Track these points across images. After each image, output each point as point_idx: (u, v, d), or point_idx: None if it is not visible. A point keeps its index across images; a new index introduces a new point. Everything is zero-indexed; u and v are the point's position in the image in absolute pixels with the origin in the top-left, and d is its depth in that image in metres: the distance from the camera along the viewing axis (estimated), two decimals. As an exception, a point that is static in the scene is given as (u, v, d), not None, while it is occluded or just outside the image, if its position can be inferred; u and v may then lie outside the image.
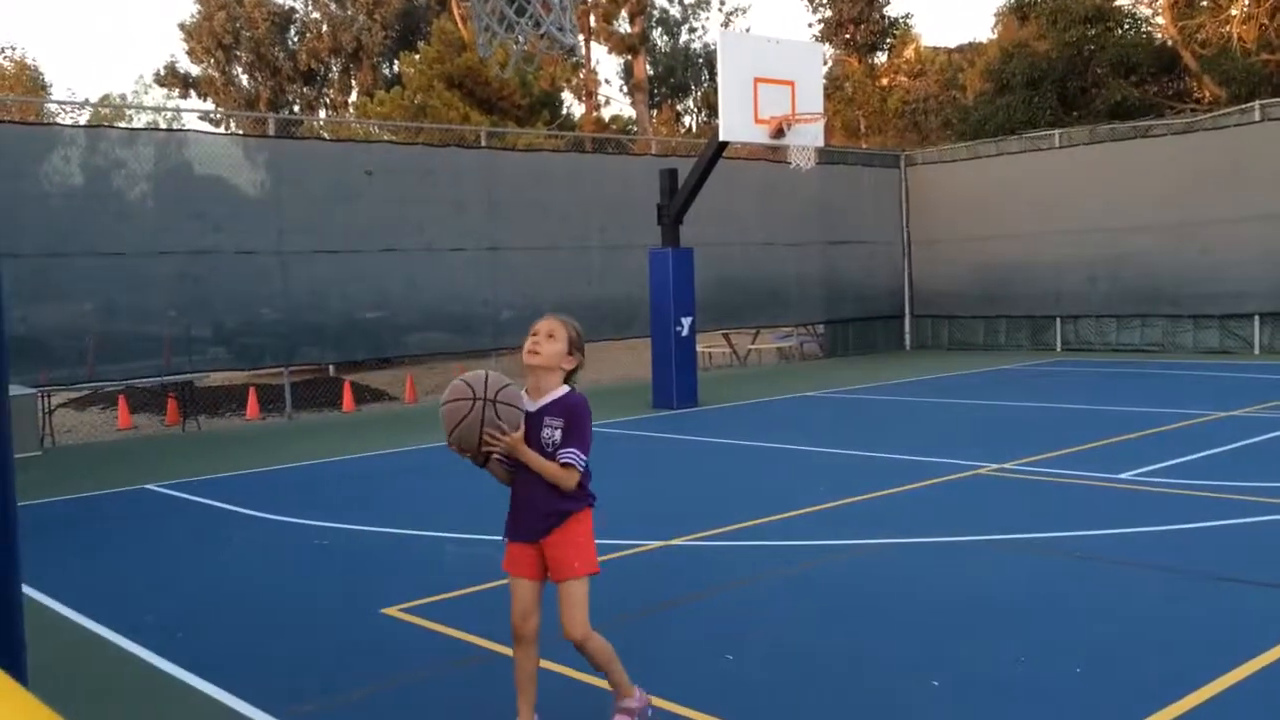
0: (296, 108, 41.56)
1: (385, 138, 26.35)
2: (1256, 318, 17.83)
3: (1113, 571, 5.72)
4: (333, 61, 40.96)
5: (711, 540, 6.70)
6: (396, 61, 37.17)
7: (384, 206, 15.50)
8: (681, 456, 10.26)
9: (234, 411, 15.24)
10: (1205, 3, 26.98)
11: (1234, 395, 12.54)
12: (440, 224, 16.08)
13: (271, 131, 15.32)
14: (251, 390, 15.24)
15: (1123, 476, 8.10)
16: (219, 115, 38.80)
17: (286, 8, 41.06)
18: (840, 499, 7.72)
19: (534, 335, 3.70)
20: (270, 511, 8.18)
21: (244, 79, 41.20)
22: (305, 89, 41.49)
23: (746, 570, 6.05)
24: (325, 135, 27.63)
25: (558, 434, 3.62)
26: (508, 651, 4.75)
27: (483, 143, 17.39)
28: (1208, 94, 25.43)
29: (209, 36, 39.59)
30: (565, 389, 3.71)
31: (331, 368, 18.19)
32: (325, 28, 40.03)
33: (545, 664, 4.09)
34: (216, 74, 40.67)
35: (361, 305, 15.43)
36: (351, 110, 38.44)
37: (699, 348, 16.76)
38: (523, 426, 3.58)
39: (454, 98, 28.63)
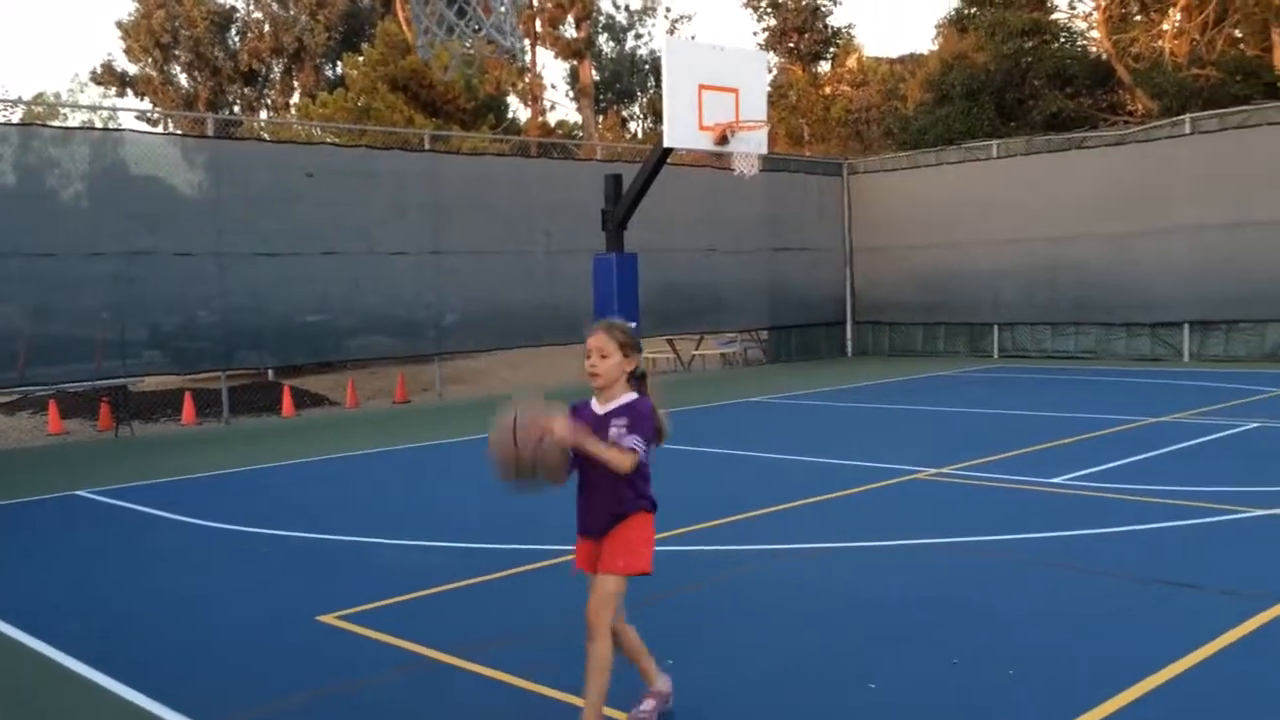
0: (237, 108, 40.96)
1: (328, 140, 26.07)
2: (1186, 326, 18.27)
3: (1045, 574, 5.82)
4: (274, 62, 40.42)
5: (658, 545, 6.69)
6: (340, 63, 36.83)
7: (325, 209, 15.33)
8: (624, 462, 10.25)
9: (169, 416, 14.96)
10: (1139, 17, 27.64)
11: (1164, 401, 12.83)
12: (383, 227, 15.94)
13: (210, 132, 15.08)
14: (187, 395, 14.98)
15: (1056, 481, 8.25)
16: (156, 115, 38.13)
17: (227, 7, 40.45)
18: (782, 504, 7.77)
19: (588, 358, 3.88)
20: (205, 518, 8.04)
21: (183, 78, 40.50)
22: (246, 89, 40.91)
23: (688, 575, 6.06)
24: (266, 136, 27.27)
25: (621, 429, 3.82)
26: (445, 659, 4.73)
27: (426, 146, 17.27)
28: (1140, 107, 26.03)
29: (147, 35, 38.87)
30: (633, 395, 3.92)
31: (270, 372, 17.94)
32: (267, 28, 39.50)
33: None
34: (154, 73, 39.94)
35: (302, 308, 15.24)
36: (293, 112, 37.96)
37: (643, 354, 16.78)
38: (566, 422, 3.70)
39: (398, 100, 28.41)
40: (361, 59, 30.41)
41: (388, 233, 15.99)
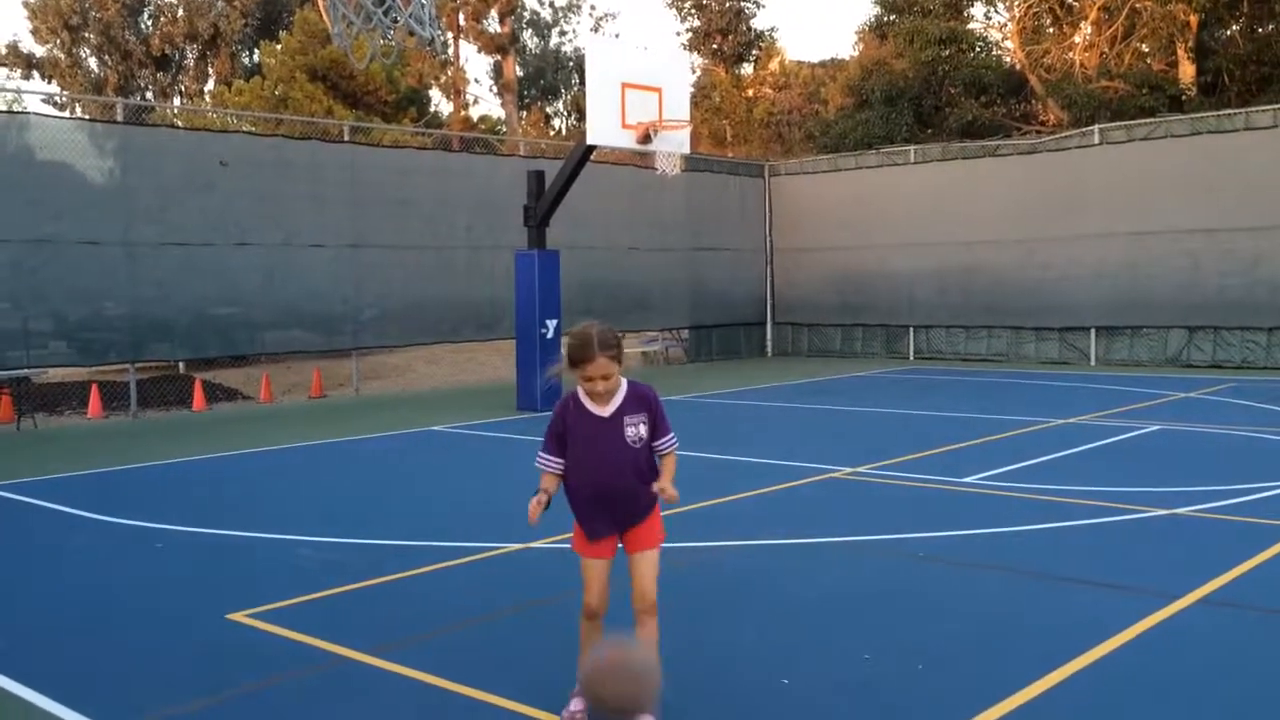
0: (149, 94, 39.86)
1: (243, 128, 25.49)
2: (1092, 330, 18.84)
3: (954, 572, 5.95)
4: (188, 48, 39.42)
5: (570, 542, 6.68)
6: (257, 51, 36.07)
7: (240, 199, 15.01)
8: (544, 459, 10.22)
9: (74, 409, 14.51)
10: (1051, 30, 28.39)
11: (1071, 404, 13.21)
12: (299, 219, 15.65)
13: (120, 117, 14.64)
14: (94, 387, 14.53)
15: (967, 480, 8.44)
16: (64, 99, 36.93)
17: (139, -11, 39.33)
18: (699, 501, 7.82)
19: (590, 381, 3.90)
20: (111, 514, 7.81)
21: (92, 62, 39.28)
22: (158, 75, 39.82)
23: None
24: (179, 123, 26.59)
25: (642, 428, 3.96)
26: (359, 657, 4.67)
27: (346, 137, 17.00)
28: (1052, 117, 26.74)
29: (55, 16, 37.61)
30: (625, 384, 3.97)
31: (181, 365, 17.51)
32: (180, 13, 38.49)
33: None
34: (62, 55, 38.67)
35: (215, 300, 14.89)
36: (208, 99, 37.08)
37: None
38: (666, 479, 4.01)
39: (317, 90, 27.94)
40: (279, 47, 29.84)
41: (305, 224, 15.71)
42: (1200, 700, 4.10)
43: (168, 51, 38.98)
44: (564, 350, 3.95)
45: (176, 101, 38.87)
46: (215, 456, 10.52)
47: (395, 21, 8.44)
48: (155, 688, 4.40)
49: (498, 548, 6.55)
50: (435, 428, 12.29)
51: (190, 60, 40.17)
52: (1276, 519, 6.90)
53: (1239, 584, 5.54)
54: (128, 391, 14.25)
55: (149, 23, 39.55)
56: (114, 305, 13.91)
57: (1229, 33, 26.08)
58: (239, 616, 5.26)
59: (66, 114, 33.11)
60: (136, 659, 4.78)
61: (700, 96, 35.08)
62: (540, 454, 4.09)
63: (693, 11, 37.13)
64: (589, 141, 13.11)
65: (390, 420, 13.01)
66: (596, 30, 47.24)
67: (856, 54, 35.12)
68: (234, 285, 15.01)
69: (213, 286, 14.80)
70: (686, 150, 14.07)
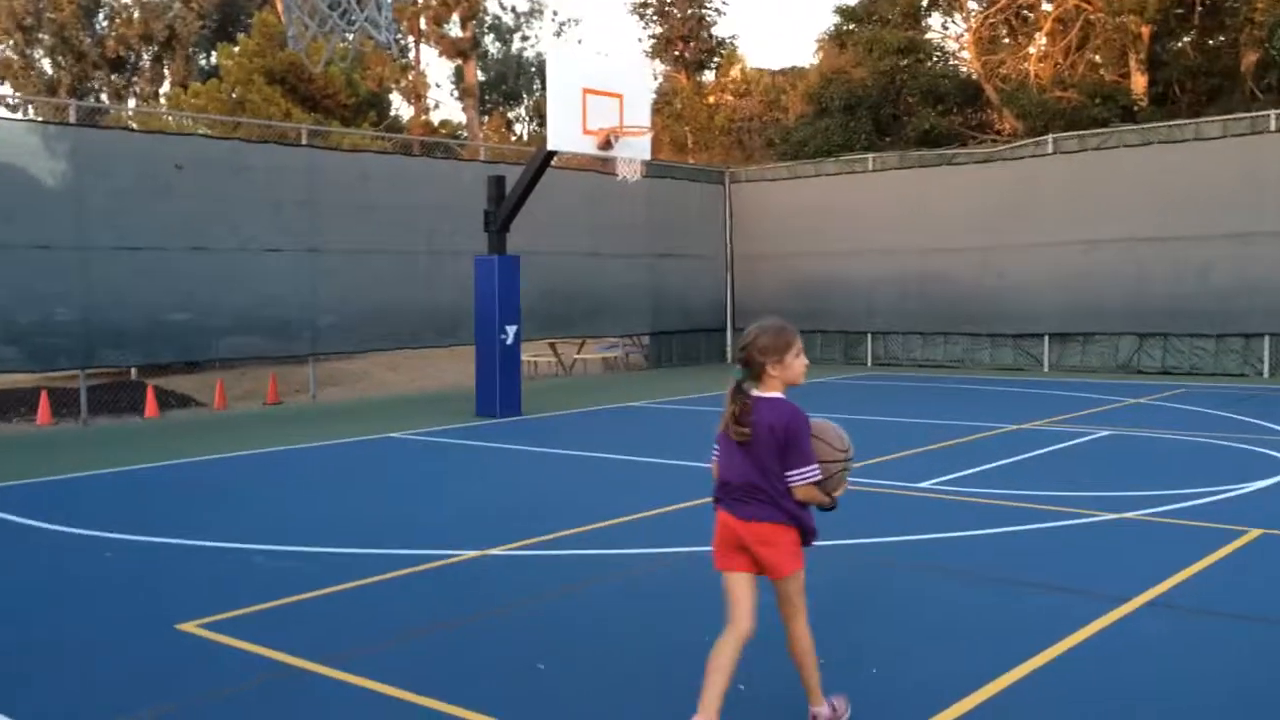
0: (104, 96, 39.32)
1: (200, 131, 25.22)
2: (1046, 337, 19.08)
3: (911, 575, 6.00)
4: (143, 50, 38.93)
5: (529, 549, 6.69)
6: (214, 53, 35.66)
7: (195, 202, 14.83)
8: (503, 466, 10.20)
9: (22, 416, 14.26)
10: (1006, 40, 28.77)
11: (1025, 409, 13.37)
12: (256, 223, 15.50)
13: (73, 119, 14.43)
14: (43, 393, 14.29)
15: (923, 485, 8.52)
16: (16, 100, 36.35)
17: (94, -10, 38.79)
18: (659, 508, 7.83)
19: (800, 354, 3.87)
20: (58, 523, 7.69)
21: (45, 63, 38.69)
22: (113, 77, 39.30)
23: (561, 580, 6.06)
24: (134, 126, 26.25)
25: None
26: (311, 666, 4.63)
27: (304, 140, 16.86)
28: (1007, 126, 27.09)
29: (8, 17, 36.99)
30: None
31: (134, 371, 17.26)
32: (136, 14, 38.01)
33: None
34: (15, 56, 38.05)
35: (169, 305, 14.69)
36: (163, 101, 36.64)
37: (524, 357, 16.71)
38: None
39: (275, 93, 27.67)
40: (237, 49, 29.54)
41: (261, 229, 15.55)
42: (1151, 701, 4.16)
43: (123, 53, 38.48)
44: (771, 341, 3.81)
45: (131, 104, 38.38)
46: (167, 464, 10.38)
47: (351, 24, 8.39)
48: (102, 699, 4.34)
49: (454, 555, 6.51)
50: (394, 435, 12.21)
51: (145, 62, 39.69)
52: (1223, 523, 7.02)
53: (1187, 587, 5.64)
54: (78, 398, 14.03)
55: (104, 24, 39.04)
56: (66, 310, 13.69)
57: (1180, 45, 26.58)
58: (189, 626, 5.19)
59: (19, 116, 32.59)
60: (83, 669, 4.70)
61: (661, 103, 35.18)
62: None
63: (655, 18, 37.26)
64: (550, 147, 13.10)
65: (348, 427, 12.91)
66: (558, 36, 47.28)
67: (816, 62, 35.39)
68: (189, 290, 14.82)
69: (167, 291, 14.61)
70: (647, 156, 14.09)
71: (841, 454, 3.87)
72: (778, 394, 3.83)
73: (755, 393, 3.82)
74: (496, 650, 4.85)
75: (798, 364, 3.84)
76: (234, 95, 27.77)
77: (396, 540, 6.94)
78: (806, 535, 3.92)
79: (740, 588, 3.81)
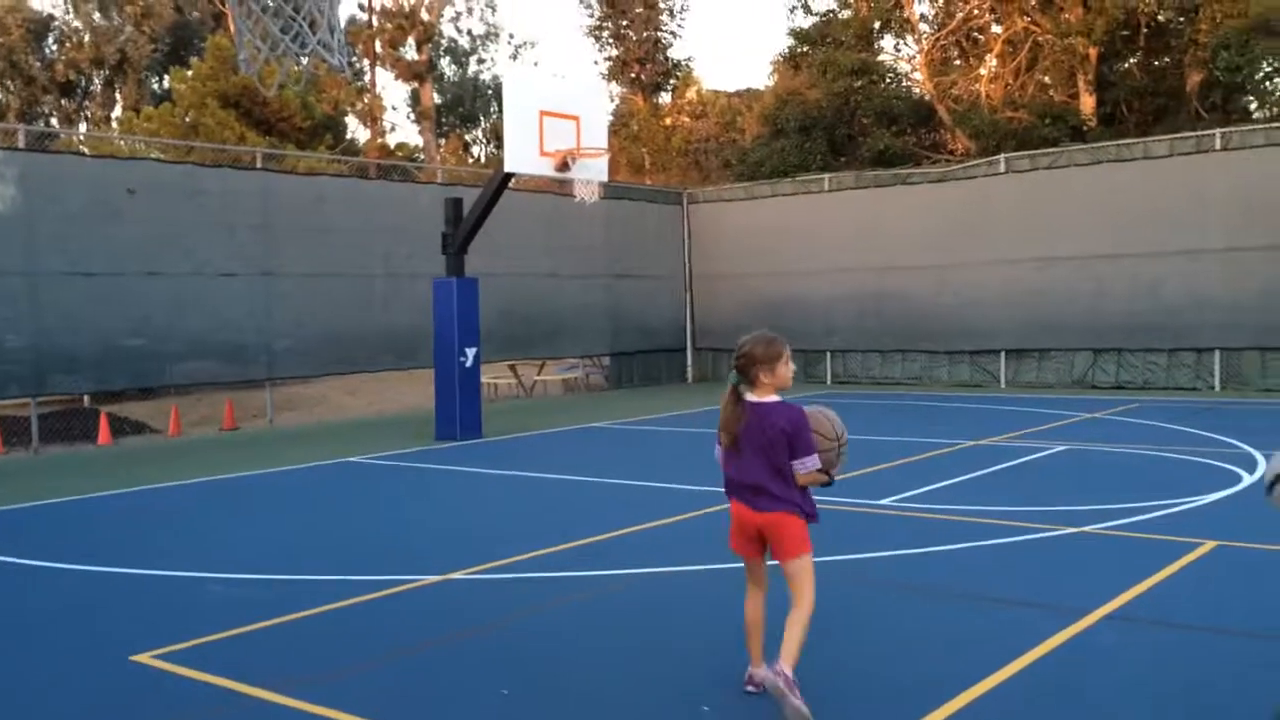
0: (54, 121, 38.81)
1: (152, 155, 24.95)
2: (1003, 354, 19.30)
3: (871, 591, 6.01)
4: (94, 73, 38.50)
5: (492, 573, 6.63)
6: (166, 77, 35.35)
7: (148, 227, 14.65)
8: (463, 489, 10.13)
9: (-29, 446, 13.95)
10: (958, 62, 29.20)
11: (983, 426, 13.49)
12: (210, 247, 15.33)
13: (22, 144, 14.22)
14: (-8, 422, 14.01)
15: (884, 502, 8.56)
16: (-38, 124, 35.78)
17: (44, 15, 38.34)
18: (620, 529, 7.80)
19: (788, 363, 4.46)
20: (9, 554, 7.51)
21: (-7, 87, 38.14)
22: (63, 101, 38.81)
23: (525, 603, 6.01)
24: (85, 150, 25.90)
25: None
26: (269, 696, 4.55)
27: (259, 164, 16.73)
28: (960, 146, 27.47)
29: (-47, 40, 36.48)
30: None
31: (86, 398, 16.97)
32: (87, 38, 37.60)
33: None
34: (-39, 80, 37.49)
35: (122, 331, 14.47)
36: (115, 126, 36.20)
37: (484, 379, 16.63)
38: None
39: (229, 117, 27.47)
40: (190, 73, 29.30)
41: (216, 253, 15.39)
42: (1112, 713, 4.19)
43: (73, 77, 38.03)
44: (764, 350, 4.39)
45: (82, 128, 37.91)
46: (120, 492, 10.20)
47: (304, 48, 8.34)
48: (54, 734, 4.23)
49: (416, 580, 6.44)
50: (352, 459, 12.09)
51: (97, 86, 39.25)
52: (1180, 535, 7.11)
53: (1146, 599, 5.70)
54: (29, 426, 13.76)
55: (53, 48, 38.57)
56: (16, 337, 13.44)
57: (1126, 66, 27.12)
58: (144, 658, 5.08)
59: (-35, 140, 32.03)
60: (34, 702, 4.59)
61: (619, 125, 35.31)
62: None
63: (611, 41, 37.42)
64: (507, 169, 13.09)
65: (306, 452, 12.76)
66: (514, 59, 47.34)
67: (772, 84, 35.71)
68: (142, 316, 14.62)
69: (120, 317, 14.40)
70: (605, 178, 14.12)
71: (834, 440, 4.54)
72: (773, 398, 4.38)
73: (750, 397, 4.37)
74: (460, 675, 4.80)
75: (786, 371, 4.41)
76: (187, 119, 27.53)
77: (357, 566, 6.85)
78: (809, 518, 4.51)
79: (756, 568, 4.56)
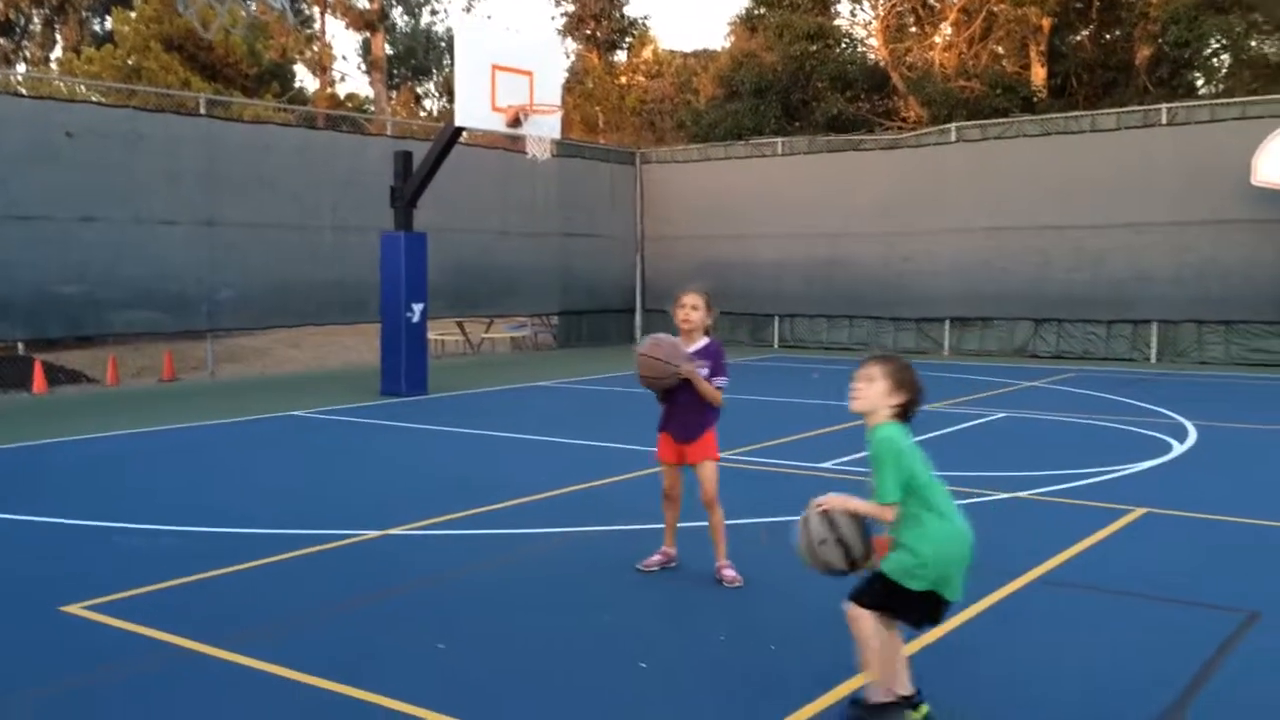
0: (-11, 59, 37.56)
1: (93, 98, 24.30)
2: (947, 321, 19.53)
3: (811, 554, 6.07)
4: (34, 13, 37.31)
5: (431, 529, 6.62)
6: (109, 18, 34.35)
7: (87, 172, 14.30)
8: (407, 445, 10.07)
9: (-100, 392, 13.61)
10: (913, 29, 29.24)
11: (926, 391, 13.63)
12: (151, 194, 15.00)
13: (-47, 82, 13.78)
14: (-78, 368, 13.66)
15: (825, 465, 8.65)
16: (-107, 60, 34.53)
17: (-20, -52, 36.95)
18: (561, 487, 7.81)
19: (683, 307, 5.59)
20: (-63, 503, 7.36)
21: (-74, 23, 36.81)
22: (1, 40, 37.58)
23: (465, 558, 6.01)
24: (23, 91, 25.15)
25: (705, 370, 5.42)
26: (202, 648, 4.51)
27: (203, 110, 16.35)
28: (913, 113, 27.57)
29: (-116, -28, 35.09)
30: (707, 339, 5.57)
31: (21, 345, 16.58)
32: (25, -26, 36.35)
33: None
34: (-108, 14, 36.12)
35: (58, 278, 14.15)
36: (55, 67, 35.16)
37: (431, 335, 16.50)
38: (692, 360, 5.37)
39: (173, 61, 26.80)
40: (134, 14, 28.50)
41: (157, 200, 15.06)
42: (1039, 674, 4.30)
43: (12, 16, 36.82)
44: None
45: (21, 69, 36.78)
46: (55, 441, 10.01)
47: (247, -10, 8.15)
48: (-20, 684, 4.17)
49: (355, 535, 6.41)
50: (296, 413, 11.97)
51: (36, 26, 38.06)
52: (1110, 502, 7.28)
53: (1076, 563, 5.83)
54: (-40, 373, 13.44)
55: (-10, -17, 37.25)
56: (-54, 281, 13.10)
57: (1078, 38, 27.33)
58: (74, 609, 5.02)
59: (-105, 76, 30.94)
60: (-40, 655, 4.51)
61: (573, 82, 34.97)
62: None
63: (567, -4, 36.97)
64: (458, 123, 12.92)
65: (247, 405, 12.61)
66: (468, 10, 46.57)
67: (728, 45, 35.53)
68: (80, 262, 14.30)
69: (56, 263, 14.07)
70: (557, 135, 13.99)
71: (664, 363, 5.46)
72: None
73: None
74: (396, 631, 4.79)
75: (675, 314, 5.63)
76: (130, 62, 26.82)
77: (295, 520, 6.80)
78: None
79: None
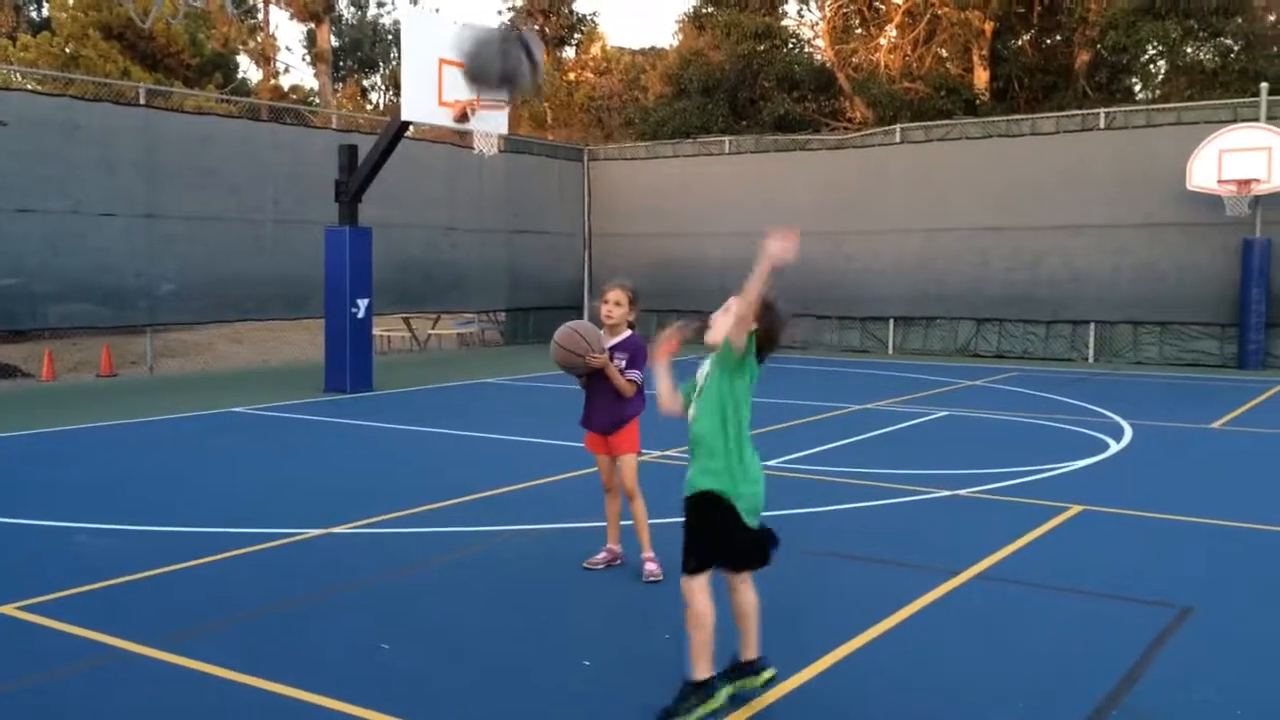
0: (-82, 44, 36.52)
1: (28, 86, 23.73)
2: (891, 321, 19.76)
3: (755, 551, 6.12)
4: (-35, -4, 36.31)
5: (375, 527, 6.57)
6: (45, 4, 33.59)
7: (22, 161, 13.98)
8: (350, 442, 9.98)
9: None
10: (859, 31, 29.51)
11: (869, 391, 13.82)
12: (88, 186, 14.70)
13: (-119, 67, 13.39)
14: None
15: (770, 464, 8.72)
16: None
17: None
18: (510, 485, 7.80)
19: (606, 302, 5.60)
20: None
21: None
22: (-70, 24, 36.52)
23: (407, 557, 5.98)
24: (-47, 78, 24.47)
25: (623, 362, 5.57)
26: (140, 650, 4.44)
27: (142, 100, 16.04)
28: (858, 114, 27.83)
29: None
30: (629, 333, 5.67)
31: (-48, 339, 16.19)
32: (-43, -43, 35.38)
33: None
34: None
35: (-9, 271, 13.83)
36: (-13, 52, 34.27)
37: (377, 331, 16.37)
38: (607, 351, 5.53)
39: (112, 49, 26.25)
40: (71, 1, 27.87)
41: (94, 192, 14.77)
42: (976, 670, 4.38)
43: (-59, -1, 35.80)
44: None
45: (-49, 54, 35.81)
46: (-12, 438, 9.79)
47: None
48: (-92, 688, 4.07)
49: (298, 534, 6.35)
50: (237, 409, 11.80)
51: (-33, 10, 37.04)
52: (1047, 500, 7.42)
53: (1013, 560, 5.94)
54: (-112, 367, 13.08)
55: (-81, -34, 36.19)
56: (-128, 273, 12.73)
57: (1019, 42, 27.76)
58: (9, 609, 4.92)
59: None
60: (-113, 657, 4.40)
61: (521, 77, 34.76)
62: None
63: (515, -9, 36.80)
64: (404, 117, 12.82)
65: (188, 401, 12.41)
66: (415, 3, 46.15)
67: (676, 43, 35.60)
68: (14, 255, 13.98)
69: (-11, 255, 13.75)
70: (505, 131, 13.93)
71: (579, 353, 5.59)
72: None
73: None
74: (338, 630, 4.76)
75: (601, 307, 5.65)
76: (67, 50, 26.24)
77: (235, 518, 6.71)
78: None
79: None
